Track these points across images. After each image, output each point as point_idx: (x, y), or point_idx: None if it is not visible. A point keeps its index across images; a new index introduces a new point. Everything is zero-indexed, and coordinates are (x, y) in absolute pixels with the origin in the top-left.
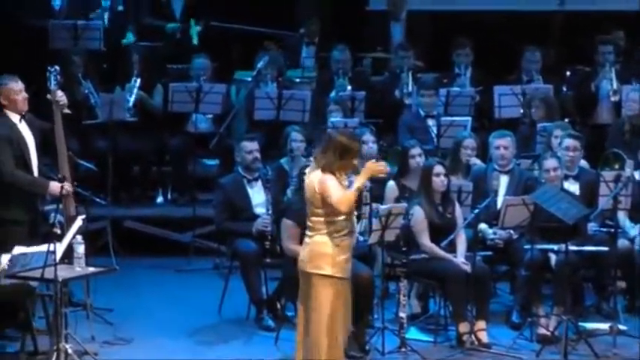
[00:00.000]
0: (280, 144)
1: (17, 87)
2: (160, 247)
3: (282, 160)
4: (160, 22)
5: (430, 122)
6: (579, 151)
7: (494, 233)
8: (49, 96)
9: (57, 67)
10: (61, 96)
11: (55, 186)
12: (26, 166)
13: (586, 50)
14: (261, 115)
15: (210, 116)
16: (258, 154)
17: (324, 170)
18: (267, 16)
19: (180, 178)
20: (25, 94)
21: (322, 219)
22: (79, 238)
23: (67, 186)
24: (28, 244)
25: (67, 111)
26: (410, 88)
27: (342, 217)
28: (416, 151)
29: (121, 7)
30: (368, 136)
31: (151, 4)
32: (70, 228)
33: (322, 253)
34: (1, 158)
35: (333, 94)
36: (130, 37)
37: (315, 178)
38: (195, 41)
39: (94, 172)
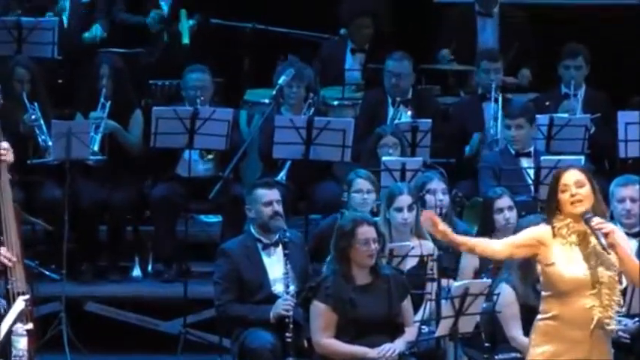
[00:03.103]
0: (310, 194)
1: None
2: (137, 341)
3: (347, 213)
4: (140, 19)
5: (525, 163)
6: None
7: (619, 323)
8: None
9: None
10: (5, 150)
11: None
12: None
13: None
14: (282, 152)
15: (210, 157)
16: (279, 208)
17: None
18: (294, 12)
19: (165, 242)
20: None
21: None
22: (20, 327)
23: (4, 252)
24: None
25: (8, 176)
26: (496, 115)
27: (549, 292)
28: (504, 202)
29: None
30: (436, 183)
31: None
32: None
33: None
34: None
35: (389, 122)
36: (96, 31)
37: None
38: (185, 39)
39: (44, 235)
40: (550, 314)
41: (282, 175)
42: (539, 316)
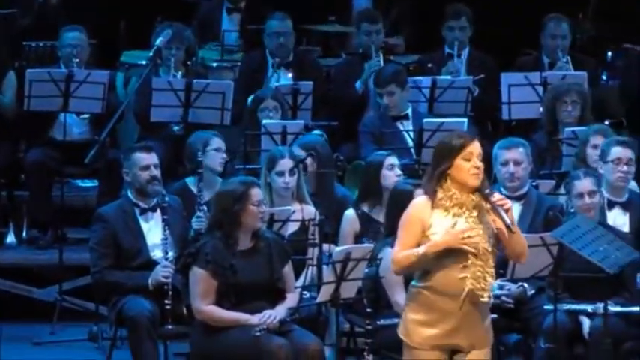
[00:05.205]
0: (188, 156)
1: None
2: (11, 308)
3: (188, 180)
4: None
5: (403, 126)
6: (634, 167)
7: (501, 288)
8: None
9: None
10: None
11: None
12: None
13: (637, 21)
14: (160, 114)
15: (86, 117)
16: (157, 172)
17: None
18: None
19: (41, 208)
20: None
21: None
22: None
23: None
24: None
25: None
26: None
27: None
28: (390, 161)
29: None
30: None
31: None
32: None
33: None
34: None
35: (267, 84)
36: None
37: None
38: None
39: None
40: (423, 284)
41: (179, 128)
42: (413, 282)
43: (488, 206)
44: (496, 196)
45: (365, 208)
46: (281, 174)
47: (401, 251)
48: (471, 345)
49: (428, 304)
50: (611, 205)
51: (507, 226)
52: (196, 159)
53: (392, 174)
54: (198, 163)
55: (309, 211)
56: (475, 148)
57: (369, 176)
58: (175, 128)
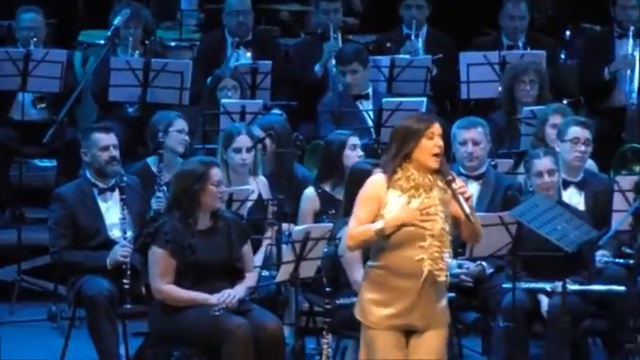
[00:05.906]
0: (150, 135)
1: None
2: None
3: (150, 160)
4: None
5: (363, 105)
6: (591, 146)
7: (460, 266)
8: None
9: None
10: None
11: None
12: None
13: (595, 0)
14: (119, 94)
15: (42, 106)
16: (116, 152)
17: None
18: None
19: None
20: None
21: None
22: None
23: None
24: None
25: None
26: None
27: (379, 242)
28: (352, 140)
29: None
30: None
31: None
32: None
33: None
34: None
35: (227, 64)
36: None
37: None
38: None
39: None
40: (378, 263)
41: (134, 109)
42: (369, 263)
43: (449, 192)
44: (458, 183)
45: (327, 188)
46: (238, 150)
47: (357, 227)
48: (426, 325)
49: (384, 284)
50: (566, 184)
51: (467, 216)
52: (158, 139)
53: (354, 154)
54: (159, 144)
55: (262, 181)
56: (437, 128)
57: (331, 155)
58: (130, 109)
